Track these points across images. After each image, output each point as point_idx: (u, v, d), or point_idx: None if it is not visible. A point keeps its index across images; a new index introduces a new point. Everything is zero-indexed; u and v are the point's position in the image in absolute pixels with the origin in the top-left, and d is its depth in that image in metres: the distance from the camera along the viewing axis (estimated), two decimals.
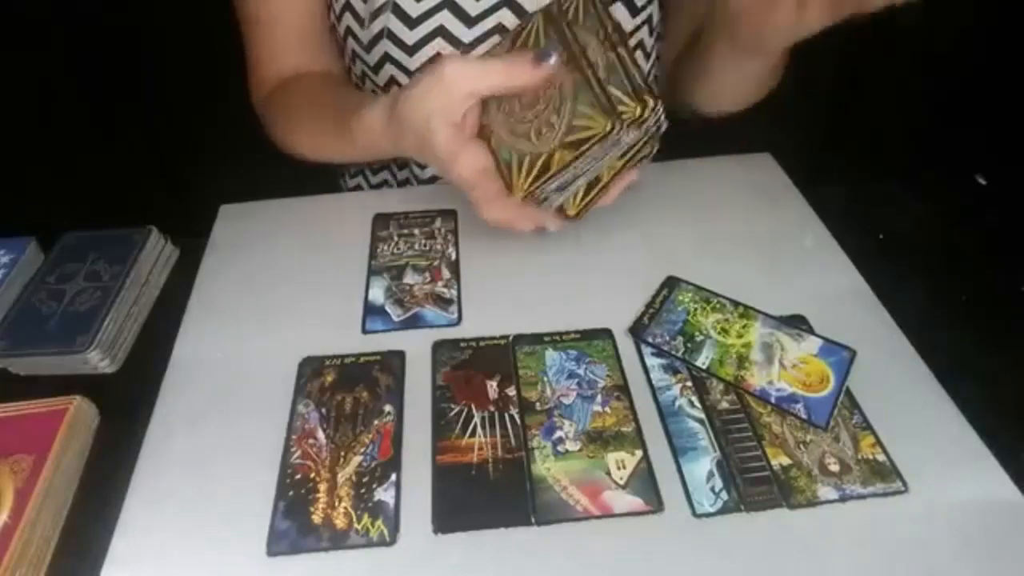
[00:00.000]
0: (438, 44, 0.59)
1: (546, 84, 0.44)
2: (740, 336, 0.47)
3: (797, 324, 0.49)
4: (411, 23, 0.58)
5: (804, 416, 0.42)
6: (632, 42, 0.62)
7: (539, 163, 0.45)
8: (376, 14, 0.59)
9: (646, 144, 0.46)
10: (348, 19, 0.62)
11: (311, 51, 0.66)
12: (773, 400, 0.43)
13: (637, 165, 0.49)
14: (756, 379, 0.45)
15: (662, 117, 0.43)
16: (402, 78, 0.62)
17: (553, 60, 0.43)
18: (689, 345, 0.47)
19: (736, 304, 0.50)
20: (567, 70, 0.44)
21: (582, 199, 0.49)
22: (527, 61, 0.43)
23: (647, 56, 0.64)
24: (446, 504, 0.40)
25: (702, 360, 0.46)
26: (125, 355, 0.52)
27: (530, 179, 0.45)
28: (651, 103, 0.42)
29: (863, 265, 0.53)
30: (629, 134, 0.43)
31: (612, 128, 0.42)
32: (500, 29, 0.58)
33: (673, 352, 0.47)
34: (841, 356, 0.46)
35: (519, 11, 0.58)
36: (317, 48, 0.66)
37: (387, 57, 0.61)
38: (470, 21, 0.58)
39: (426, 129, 0.44)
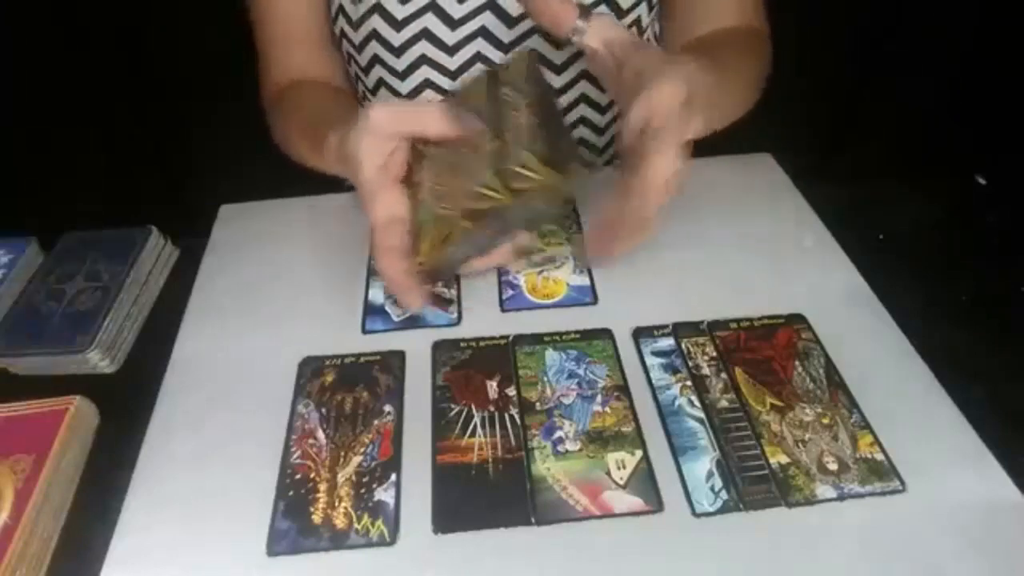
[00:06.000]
0: (423, 47, 0.60)
1: (470, 148, 0.43)
2: None
3: (796, 323, 0.49)
4: (397, 25, 0.59)
5: None
6: (630, 19, 0.60)
7: (441, 231, 0.43)
8: (364, 17, 0.59)
9: (553, 212, 0.44)
10: (341, 21, 0.62)
11: (315, 56, 0.66)
12: None
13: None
14: None
15: (573, 190, 0.42)
16: (391, 80, 0.62)
17: (467, 121, 0.43)
18: None
19: None
20: (489, 137, 0.43)
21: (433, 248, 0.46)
22: (439, 112, 0.43)
23: (641, 32, 0.62)
24: (446, 504, 0.40)
25: None
26: (125, 355, 0.52)
27: (429, 245, 0.44)
28: (560, 176, 0.40)
29: (863, 265, 0.53)
30: (530, 207, 0.42)
31: (513, 200, 0.41)
32: (483, 32, 0.59)
33: None
34: None
35: (502, 15, 0.58)
36: (321, 53, 0.66)
37: (376, 59, 0.62)
38: (454, 24, 0.59)
39: (356, 164, 0.44)
